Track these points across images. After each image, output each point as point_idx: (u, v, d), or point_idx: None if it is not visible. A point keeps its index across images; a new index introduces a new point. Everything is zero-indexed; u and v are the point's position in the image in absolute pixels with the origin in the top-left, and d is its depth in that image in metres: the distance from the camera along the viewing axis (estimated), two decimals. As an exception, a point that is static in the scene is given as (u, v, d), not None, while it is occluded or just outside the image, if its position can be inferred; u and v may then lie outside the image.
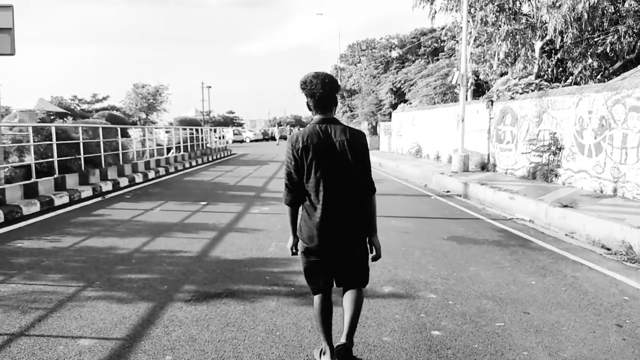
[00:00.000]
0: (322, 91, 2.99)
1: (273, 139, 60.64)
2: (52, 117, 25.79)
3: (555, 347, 3.62)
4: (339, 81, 3.34)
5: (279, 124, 78.98)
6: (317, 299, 3.18)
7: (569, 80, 16.21)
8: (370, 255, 3.23)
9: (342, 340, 3.15)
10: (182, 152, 21.34)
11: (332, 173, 2.97)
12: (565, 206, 8.09)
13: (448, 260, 5.95)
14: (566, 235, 7.49)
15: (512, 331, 3.89)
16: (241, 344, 3.57)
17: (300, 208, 3.14)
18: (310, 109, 3.12)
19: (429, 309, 4.32)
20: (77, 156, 11.48)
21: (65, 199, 9.92)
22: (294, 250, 3.28)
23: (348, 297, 3.18)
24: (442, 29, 33.99)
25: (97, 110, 38.85)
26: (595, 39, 15.44)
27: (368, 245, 3.22)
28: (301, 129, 3.36)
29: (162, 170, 16.66)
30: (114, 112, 30.11)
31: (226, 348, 3.51)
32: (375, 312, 4.24)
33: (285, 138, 56.46)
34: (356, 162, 2.99)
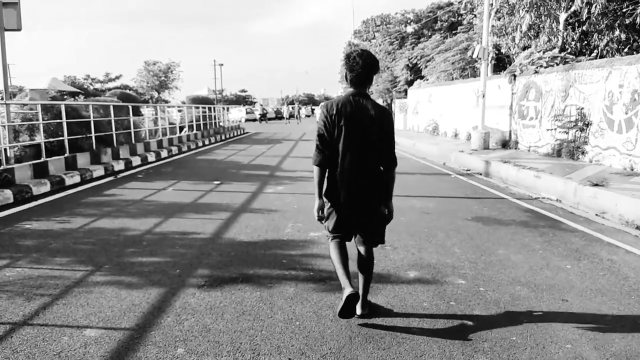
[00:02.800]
0: (361, 70, 3.27)
1: (282, 117, 59.13)
2: (64, 96, 25.65)
3: (601, 340, 3.30)
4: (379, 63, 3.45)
5: (291, 103, 78.09)
6: (334, 245, 3.50)
7: (594, 54, 15.52)
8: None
9: (358, 311, 3.56)
10: (194, 131, 21.08)
11: (358, 142, 3.28)
12: (596, 185, 7.68)
13: (474, 242, 5.62)
14: (597, 215, 7.11)
15: (551, 321, 3.57)
16: (258, 335, 3.30)
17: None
18: (346, 80, 3.38)
19: (459, 296, 4.01)
20: (88, 135, 11.25)
21: (77, 179, 9.72)
22: (320, 214, 3.47)
23: (362, 257, 3.56)
24: (460, 2, 33.00)
25: (109, 89, 38.61)
26: (624, 10, 14.70)
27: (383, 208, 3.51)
28: (327, 100, 3.58)
29: (174, 149, 16.43)
30: (126, 91, 29.85)
31: (242, 339, 3.24)
32: (401, 299, 3.94)
33: (292, 116, 55.53)
34: (380, 136, 3.31)
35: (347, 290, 3.26)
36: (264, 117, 55.04)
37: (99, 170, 10.67)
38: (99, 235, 5.82)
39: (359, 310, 3.57)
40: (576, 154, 10.75)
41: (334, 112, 3.26)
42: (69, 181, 9.39)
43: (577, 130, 10.75)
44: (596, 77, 10.17)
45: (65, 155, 10.16)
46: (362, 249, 3.57)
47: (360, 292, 3.56)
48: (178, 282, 4.28)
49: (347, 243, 3.61)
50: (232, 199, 8.06)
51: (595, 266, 4.83)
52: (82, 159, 10.66)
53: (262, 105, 72.95)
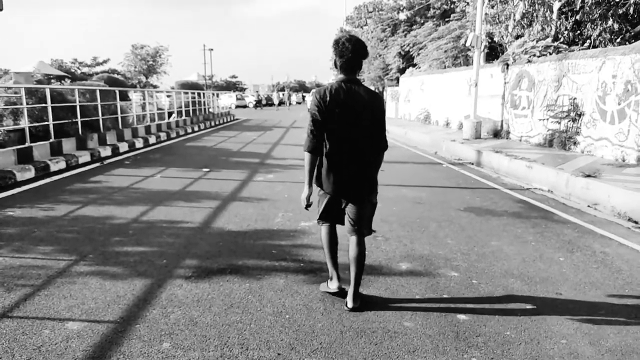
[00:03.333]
0: (351, 55, 3.27)
1: (273, 104, 57.07)
2: (51, 80, 25.19)
3: (596, 335, 3.24)
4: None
5: (282, 89, 77.32)
6: (324, 229, 3.65)
7: (586, 44, 15.46)
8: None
9: (350, 304, 3.49)
10: (183, 117, 20.80)
11: (351, 128, 3.29)
12: (588, 176, 7.64)
13: (467, 233, 5.55)
14: (589, 206, 7.08)
15: (545, 315, 3.52)
16: (247, 329, 3.21)
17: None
18: (336, 67, 3.39)
19: (452, 289, 3.94)
20: (74, 120, 11.00)
21: (62, 165, 9.51)
22: (308, 202, 3.44)
23: (353, 248, 3.50)
24: (453, -11, 32.65)
25: (97, 74, 37.94)
26: (617, 1, 14.61)
27: None
28: (319, 87, 3.55)
29: (163, 135, 16.18)
30: (114, 75, 29.35)
31: (230, 333, 3.14)
32: (393, 292, 3.86)
33: (282, 103, 54.09)
34: (372, 121, 3.34)
35: (334, 285, 3.67)
36: (259, 103, 54.43)
37: (85, 156, 10.45)
38: (83, 223, 5.67)
39: (350, 304, 3.50)
40: (568, 145, 10.72)
41: (328, 98, 3.26)
42: (54, 167, 9.19)
43: (569, 121, 10.71)
44: (590, 67, 10.11)
45: (51, 140, 9.92)
46: (353, 240, 3.53)
47: (352, 283, 3.51)
48: (165, 273, 4.16)
49: (339, 234, 3.74)
50: (222, 187, 7.92)
51: (588, 259, 4.79)
52: (68, 145, 10.43)
53: (257, 92, 72.08)
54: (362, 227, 3.51)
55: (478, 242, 5.23)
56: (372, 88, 30.05)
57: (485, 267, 4.48)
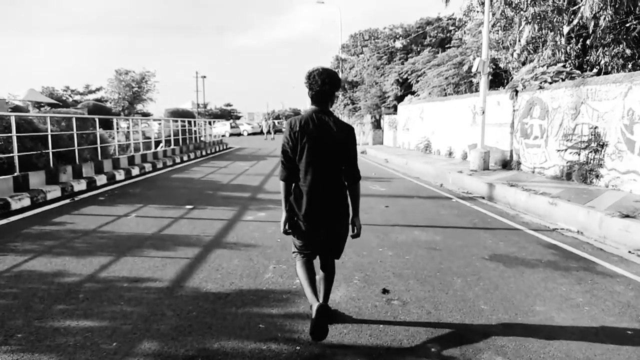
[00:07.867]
0: (320, 89, 3.33)
1: (262, 132, 52.87)
2: (42, 108, 24.24)
3: None
4: (340, 74, 2.85)
5: (277, 117, 76.24)
6: (299, 263, 3.55)
7: (595, 70, 14.69)
8: (351, 234, 3.54)
9: (320, 300, 3.45)
10: (172, 146, 19.76)
11: (321, 157, 3.32)
12: (627, 216, 6.64)
13: (502, 293, 4.49)
14: (630, 252, 6.08)
15: None
16: None
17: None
18: (310, 98, 3.41)
19: (506, 390, 2.85)
20: (44, 151, 9.93)
21: (26, 202, 8.39)
22: (286, 228, 3.48)
23: (325, 268, 3.63)
24: (449, 19, 32.33)
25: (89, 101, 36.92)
26: (627, 25, 13.90)
27: (350, 225, 3.52)
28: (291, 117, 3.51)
29: (148, 166, 15.10)
30: (101, 103, 28.37)
31: None
32: (425, 396, 2.77)
33: (275, 132, 49.72)
34: (342, 151, 3.37)
35: (317, 304, 3.31)
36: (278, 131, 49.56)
37: (54, 192, 9.34)
38: (26, 282, 4.56)
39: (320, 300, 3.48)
40: (589, 178, 9.75)
41: (297, 128, 3.31)
42: (15, 205, 8.07)
43: (590, 152, 9.76)
44: (612, 93, 9.22)
45: (15, 174, 8.82)
46: (324, 261, 3.63)
47: (321, 297, 3.56)
48: (111, 365, 3.05)
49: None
50: (205, 229, 6.85)
51: (662, 331, 3.73)
52: (36, 179, 9.32)
53: (267, 119, 68.94)
54: (333, 251, 3.60)
55: (519, 306, 4.17)
56: (369, 116, 29.41)
57: (539, 348, 3.41)
